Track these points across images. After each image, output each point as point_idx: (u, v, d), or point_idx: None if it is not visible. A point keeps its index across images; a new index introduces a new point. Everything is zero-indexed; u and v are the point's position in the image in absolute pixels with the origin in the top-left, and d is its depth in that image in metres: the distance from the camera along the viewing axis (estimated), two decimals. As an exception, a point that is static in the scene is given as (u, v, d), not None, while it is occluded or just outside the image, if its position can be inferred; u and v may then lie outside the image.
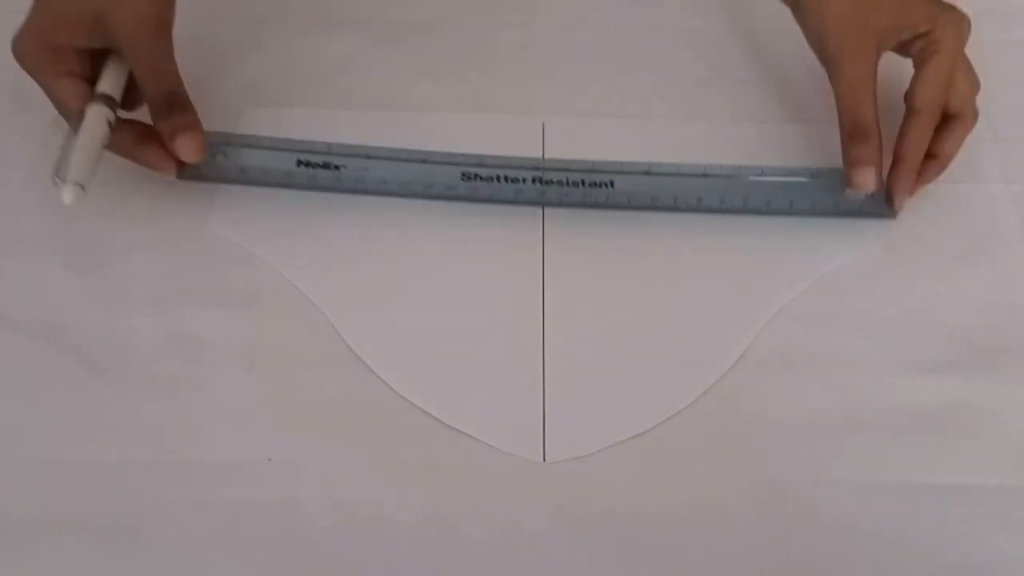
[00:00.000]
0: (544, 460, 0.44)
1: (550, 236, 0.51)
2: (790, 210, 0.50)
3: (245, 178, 0.50)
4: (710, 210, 0.50)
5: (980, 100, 0.58)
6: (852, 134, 0.49)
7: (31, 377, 0.45)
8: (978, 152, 0.55)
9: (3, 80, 0.55)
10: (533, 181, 0.50)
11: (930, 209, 0.52)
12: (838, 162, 0.51)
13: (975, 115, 0.51)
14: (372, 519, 0.42)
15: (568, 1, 0.62)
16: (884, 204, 0.50)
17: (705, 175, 0.51)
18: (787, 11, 0.52)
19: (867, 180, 0.48)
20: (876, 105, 0.49)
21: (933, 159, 0.50)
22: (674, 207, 0.50)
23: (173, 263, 0.49)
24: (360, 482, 0.43)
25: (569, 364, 0.46)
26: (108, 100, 0.46)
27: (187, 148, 0.47)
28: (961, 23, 0.49)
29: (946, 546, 0.42)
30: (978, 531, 0.42)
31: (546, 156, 0.53)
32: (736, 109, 0.57)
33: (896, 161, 0.49)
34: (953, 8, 0.50)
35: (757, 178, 0.51)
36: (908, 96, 0.50)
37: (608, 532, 0.42)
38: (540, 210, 0.51)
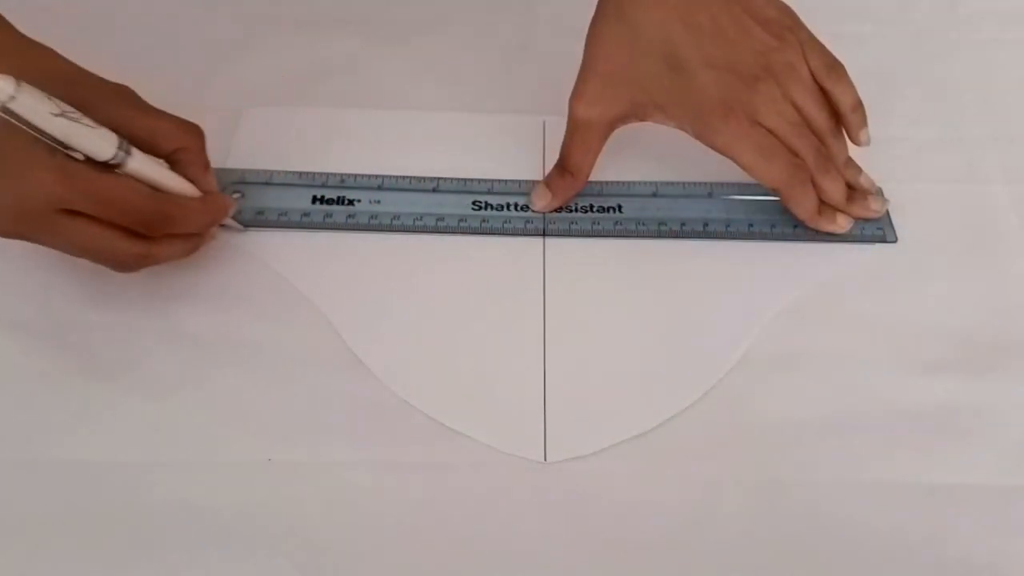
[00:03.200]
0: (545, 460, 0.44)
1: (552, 238, 0.51)
2: (793, 235, 0.51)
3: (263, 221, 0.51)
4: (716, 236, 0.51)
5: (980, 100, 0.58)
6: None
7: (31, 377, 0.45)
8: (978, 152, 0.55)
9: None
10: None
11: (930, 209, 0.52)
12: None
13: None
14: (372, 519, 0.42)
15: (568, 1, 0.62)
16: (885, 229, 0.51)
17: (711, 195, 0.52)
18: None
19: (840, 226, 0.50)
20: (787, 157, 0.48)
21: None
22: (681, 233, 0.51)
23: (173, 263, 0.49)
24: (360, 483, 0.43)
25: (570, 364, 0.46)
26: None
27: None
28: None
29: (946, 546, 0.42)
30: (978, 531, 0.42)
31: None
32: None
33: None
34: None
35: (762, 199, 0.51)
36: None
37: (608, 532, 0.42)
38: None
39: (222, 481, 0.42)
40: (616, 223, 0.51)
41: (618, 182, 0.52)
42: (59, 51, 0.44)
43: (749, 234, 0.51)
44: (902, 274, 0.50)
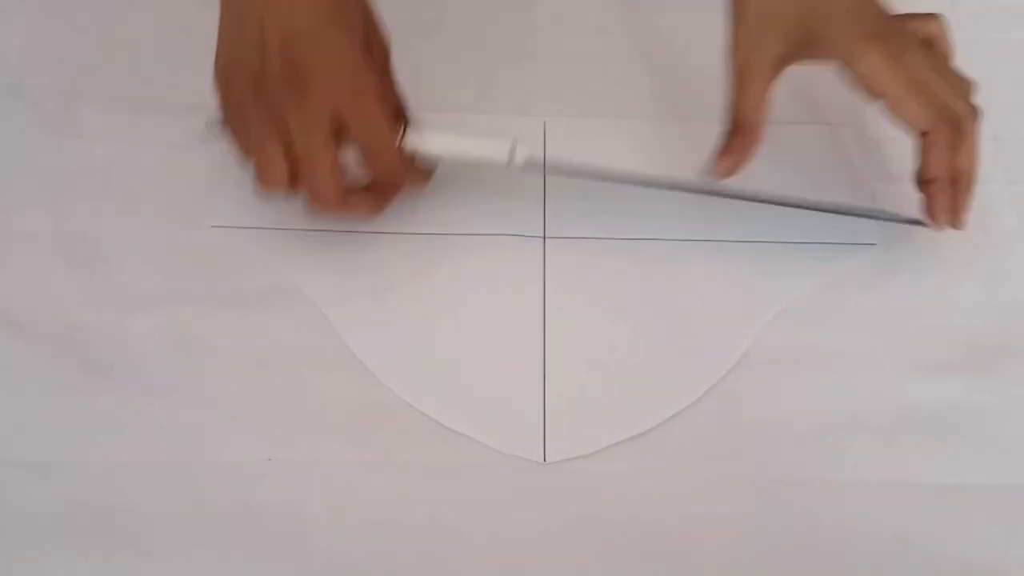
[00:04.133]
0: (544, 460, 0.44)
1: (552, 237, 0.51)
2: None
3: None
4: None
5: (980, 100, 0.58)
6: None
7: (31, 377, 0.45)
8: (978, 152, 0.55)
9: (3, 80, 0.55)
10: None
11: (930, 209, 0.52)
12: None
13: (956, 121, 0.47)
14: (373, 520, 0.42)
15: (567, 1, 0.62)
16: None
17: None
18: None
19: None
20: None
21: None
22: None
23: (174, 263, 0.49)
24: (361, 483, 0.43)
25: (570, 364, 0.46)
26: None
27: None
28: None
29: (946, 546, 0.42)
30: (978, 531, 0.42)
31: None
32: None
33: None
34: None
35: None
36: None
37: (608, 532, 0.42)
38: (542, 211, 0.51)
39: (222, 481, 0.42)
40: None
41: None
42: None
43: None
44: (902, 274, 0.50)
